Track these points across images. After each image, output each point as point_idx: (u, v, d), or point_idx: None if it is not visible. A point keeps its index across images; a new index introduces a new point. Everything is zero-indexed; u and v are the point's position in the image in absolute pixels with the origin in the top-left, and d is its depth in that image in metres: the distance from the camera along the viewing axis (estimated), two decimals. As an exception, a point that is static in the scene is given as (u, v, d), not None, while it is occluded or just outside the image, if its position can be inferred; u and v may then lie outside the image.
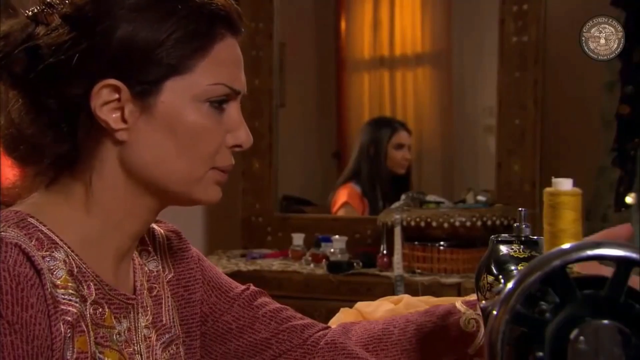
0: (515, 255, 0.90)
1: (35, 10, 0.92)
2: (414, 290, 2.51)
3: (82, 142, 0.91)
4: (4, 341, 0.79)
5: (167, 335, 1.02)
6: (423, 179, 3.55)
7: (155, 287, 1.03)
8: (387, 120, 3.51)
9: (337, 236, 2.91)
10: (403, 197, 2.93)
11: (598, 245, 0.67)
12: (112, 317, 0.93)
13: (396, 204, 2.88)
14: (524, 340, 0.68)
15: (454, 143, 3.58)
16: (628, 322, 0.66)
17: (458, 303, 1.08)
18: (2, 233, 0.85)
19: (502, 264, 0.89)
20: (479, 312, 1.03)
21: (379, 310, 1.22)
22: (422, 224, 2.69)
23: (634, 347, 0.65)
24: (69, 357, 0.85)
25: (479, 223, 2.65)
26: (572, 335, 0.66)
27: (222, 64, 0.93)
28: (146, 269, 1.03)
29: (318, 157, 3.75)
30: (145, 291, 1.01)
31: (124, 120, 0.90)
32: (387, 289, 2.58)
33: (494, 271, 0.90)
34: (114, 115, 0.90)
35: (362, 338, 1.10)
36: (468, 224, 2.65)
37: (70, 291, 0.87)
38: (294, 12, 3.55)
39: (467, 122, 3.55)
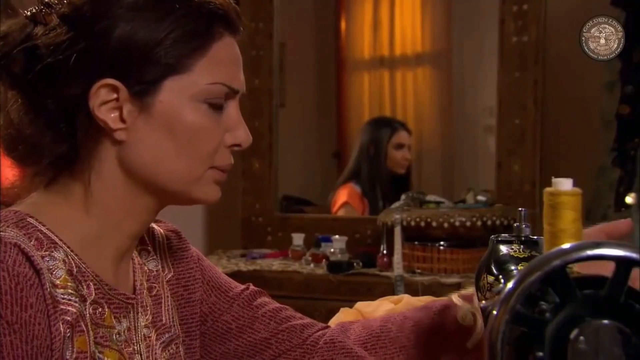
0: (515, 255, 0.90)
1: (34, 10, 0.92)
2: (414, 290, 2.51)
3: (81, 142, 0.91)
4: (3, 341, 0.79)
5: (166, 335, 1.01)
6: (423, 179, 3.55)
7: (155, 287, 1.03)
8: (387, 120, 3.51)
9: (337, 236, 2.91)
10: (403, 197, 2.93)
11: (598, 245, 0.66)
12: (112, 317, 0.93)
13: (396, 204, 2.88)
14: (524, 340, 0.68)
15: (454, 143, 3.58)
16: (628, 322, 0.66)
17: (454, 297, 1.08)
18: (2, 233, 0.85)
19: (502, 264, 0.89)
20: (476, 305, 1.03)
21: (379, 310, 1.22)
22: (422, 224, 2.69)
23: (634, 347, 0.65)
24: (68, 357, 0.85)
25: (479, 223, 2.65)
26: (572, 335, 0.66)
27: (221, 64, 0.93)
28: (146, 268, 1.03)
29: (318, 157, 3.75)
30: (145, 291, 1.01)
31: (122, 120, 0.90)
32: (387, 289, 2.58)
33: (494, 271, 0.90)
34: (112, 115, 0.90)
35: (361, 336, 1.10)
36: (468, 224, 2.65)
37: (70, 291, 0.87)
38: (294, 12, 3.55)
39: (467, 122, 3.55)
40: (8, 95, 0.93)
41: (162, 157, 0.92)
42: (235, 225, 3.29)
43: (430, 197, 2.95)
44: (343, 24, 3.75)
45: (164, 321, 1.02)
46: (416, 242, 2.71)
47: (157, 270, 1.04)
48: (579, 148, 3.04)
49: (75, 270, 0.89)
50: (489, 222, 2.66)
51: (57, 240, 0.89)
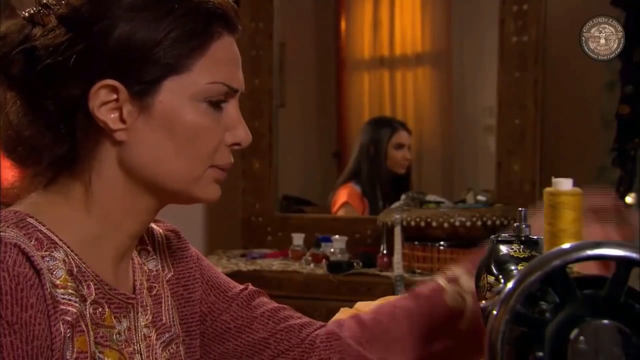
0: (515, 255, 0.90)
1: (32, 11, 0.92)
2: (414, 290, 2.51)
3: (81, 142, 0.91)
4: (3, 342, 0.79)
5: (167, 335, 1.01)
6: (423, 179, 3.55)
7: (155, 287, 1.03)
8: (387, 120, 3.51)
9: (337, 236, 2.91)
10: (403, 197, 2.93)
11: (598, 245, 0.67)
12: (112, 317, 0.93)
13: (396, 204, 2.88)
14: (524, 340, 0.68)
15: (454, 143, 3.58)
16: (628, 322, 0.66)
17: (441, 281, 1.07)
18: (2, 233, 0.85)
19: (502, 264, 0.89)
20: (463, 285, 1.03)
21: (378, 310, 1.22)
22: (422, 224, 2.69)
23: (634, 347, 0.65)
24: (68, 357, 0.85)
25: (479, 223, 2.65)
26: (572, 335, 0.66)
27: (220, 63, 0.93)
28: (145, 268, 1.03)
29: (318, 157, 3.75)
30: (145, 290, 1.01)
31: (122, 121, 0.90)
32: (387, 289, 2.57)
33: (494, 271, 0.90)
34: (112, 116, 0.90)
35: (355, 332, 1.09)
36: (468, 224, 2.65)
37: (70, 291, 0.87)
38: (294, 12, 3.55)
39: (467, 122, 3.55)
40: (7, 97, 0.93)
41: (163, 157, 0.92)
42: (235, 225, 3.29)
43: (430, 197, 2.95)
44: (343, 24, 3.75)
45: (164, 321, 1.02)
46: (416, 242, 2.70)
47: (156, 270, 1.04)
48: (579, 148, 3.04)
49: (75, 270, 0.89)
50: (489, 222, 2.66)
51: (57, 240, 0.89)
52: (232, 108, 0.95)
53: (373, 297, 1.30)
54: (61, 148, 0.91)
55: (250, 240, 3.25)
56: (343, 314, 1.24)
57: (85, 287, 0.90)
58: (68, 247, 0.90)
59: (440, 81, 3.66)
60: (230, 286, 1.11)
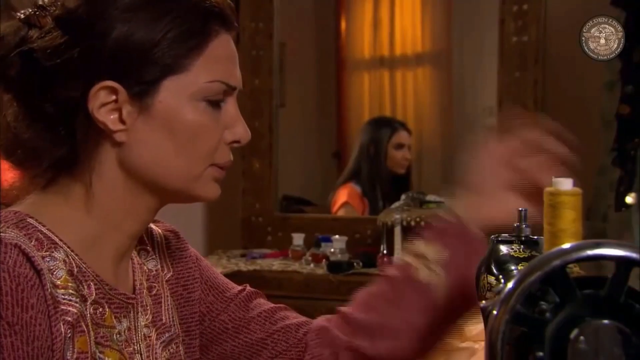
0: (515, 255, 0.90)
1: (28, 13, 0.92)
2: (414, 290, 2.51)
3: (81, 144, 0.91)
4: (4, 342, 0.79)
5: (167, 334, 1.02)
6: (423, 179, 3.55)
7: (155, 286, 1.03)
8: (387, 120, 3.51)
9: (337, 236, 2.91)
10: (403, 197, 2.93)
11: (598, 245, 0.67)
12: (112, 317, 0.93)
13: (396, 204, 2.88)
14: (524, 340, 0.68)
15: (454, 143, 3.58)
16: (628, 322, 0.66)
17: (409, 259, 1.06)
18: (2, 234, 0.85)
19: (502, 263, 0.89)
20: (430, 258, 1.02)
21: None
22: (422, 224, 2.68)
23: (634, 347, 0.65)
24: (69, 357, 0.85)
25: (479, 223, 2.65)
26: (572, 335, 0.66)
27: (218, 61, 0.93)
28: (145, 268, 1.03)
29: (318, 157, 3.75)
30: (144, 290, 1.01)
31: (122, 122, 0.90)
32: (387, 289, 2.57)
33: (494, 271, 0.90)
34: (111, 117, 0.90)
35: (340, 325, 1.08)
36: (468, 224, 2.65)
37: (71, 291, 0.87)
38: (294, 12, 3.55)
39: (467, 122, 3.55)
40: (4, 99, 0.92)
41: (163, 157, 0.92)
42: (235, 225, 3.29)
43: (430, 197, 2.95)
44: (343, 24, 3.75)
45: (164, 320, 1.02)
46: (416, 242, 2.70)
47: (156, 270, 1.04)
48: (579, 148, 3.03)
49: (75, 270, 0.89)
50: (489, 222, 2.65)
51: (57, 240, 0.89)
52: (230, 106, 0.95)
53: (373, 297, 1.29)
54: (61, 150, 0.91)
55: (250, 240, 3.25)
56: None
57: (85, 287, 0.90)
58: (68, 247, 0.90)
59: (440, 81, 3.66)
60: (228, 287, 1.11)
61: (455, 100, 3.59)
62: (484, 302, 0.90)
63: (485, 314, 0.84)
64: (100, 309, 0.91)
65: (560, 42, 2.93)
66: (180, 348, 1.04)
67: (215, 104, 0.93)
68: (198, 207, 3.37)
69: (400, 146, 3.33)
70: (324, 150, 3.73)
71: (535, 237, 0.92)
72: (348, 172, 3.36)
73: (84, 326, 0.87)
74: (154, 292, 1.02)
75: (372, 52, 3.69)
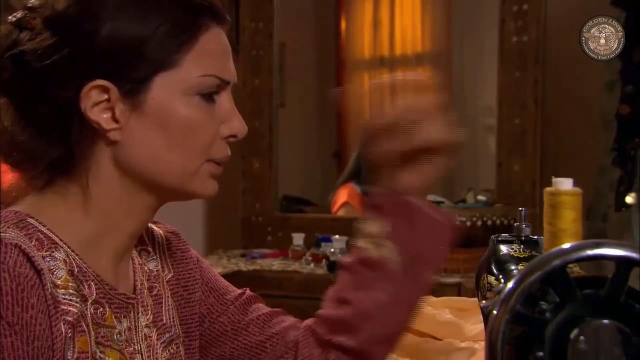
0: (516, 255, 0.90)
1: (18, 16, 0.91)
2: (414, 290, 2.50)
3: (76, 144, 0.91)
4: (4, 342, 0.79)
5: (167, 335, 1.02)
6: (423, 179, 3.55)
7: (156, 287, 1.03)
8: (387, 120, 3.50)
9: (337, 236, 2.92)
10: (403, 197, 2.92)
11: (598, 245, 0.67)
12: (113, 317, 0.93)
13: (396, 204, 2.87)
14: (524, 340, 0.68)
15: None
16: (628, 322, 0.66)
17: (358, 242, 1.06)
18: (2, 234, 0.85)
19: (502, 263, 0.90)
20: (372, 233, 1.03)
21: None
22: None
23: (634, 347, 0.65)
24: (69, 357, 0.85)
25: (479, 223, 2.65)
26: (572, 335, 0.66)
27: (210, 55, 0.93)
28: (146, 268, 1.03)
29: (318, 157, 3.76)
30: (145, 290, 1.01)
31: (115, 120, 0.90)
32: (387, 289, 2.57)
33: (494, 271, 0.90)
34: (105, 116, 0.90)
35: (320, 325, 1.08)
36: (468, 223, 2.66)
37: (71, 291, 0.87)
38: (294, 12, 3.55)
39: (467, 122, 3.55)
40: (1, 103, 0.92)
41: (158, 154, 0.92)
42: (235, 225, 3.29)
43: (430, 197, 2.94)
44: (343, 24, 3.75)
45: (164, 321, 1.02)
46: (416, 242, 2.70)
47: (157, 270, 1.04)
48: (579, 148, 3.04)
49: (76, 270, 0.89)
50: (489, 222, 2.66)
51: (57, 240, 0.89)
52: (225, 100, 0.95)
53: (373, 297, 1.29)
54: (56, 151, 0.91)
55: (250, 240, 3.25)
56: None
57: (86, 287, 0.90)
58: (68, 247, 0.90)
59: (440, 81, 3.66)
60: (228, 290, 1.11)
61: (455, 100, 3.59)
62: (484, 302, 0.90)
63: (486, 314, 0.84)
64: (101, 309, 0.91)
65: (560, 42, 2.93)
66: (181, 348, 1.04)
67: (208, 97, 0.93)
68: (198, 207, 3.37)
69: (400, 146, 3.33)
70: (324, 150, 3.73)
71: (535, 237, 0.92)
72: (348, 172, 3.36)
73: (84, 326, 0.87)
74: (155, 292, 1.02)
75: (372, 52, 3.69)
